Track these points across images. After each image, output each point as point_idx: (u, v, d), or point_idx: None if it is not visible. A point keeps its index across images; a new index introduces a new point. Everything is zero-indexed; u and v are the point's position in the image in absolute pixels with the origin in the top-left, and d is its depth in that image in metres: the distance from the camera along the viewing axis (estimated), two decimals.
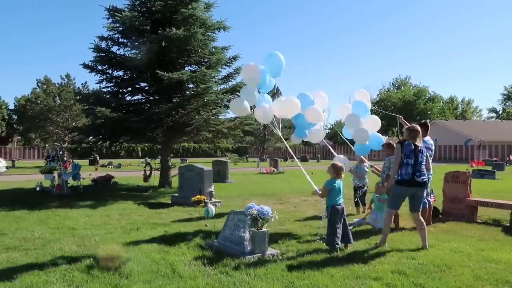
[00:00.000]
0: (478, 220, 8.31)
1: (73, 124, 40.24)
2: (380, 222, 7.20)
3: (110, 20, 13.80)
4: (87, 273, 4.79)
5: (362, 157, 9.07)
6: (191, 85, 14.30)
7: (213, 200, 10.03)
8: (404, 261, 5.37)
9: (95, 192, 12.82)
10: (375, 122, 7.95)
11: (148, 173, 15.42)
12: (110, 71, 14.62)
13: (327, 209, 5.98)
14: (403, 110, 59.73)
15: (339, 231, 5.82)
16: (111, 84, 14.85)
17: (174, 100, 14.15)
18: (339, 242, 5.80)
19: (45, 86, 46.90)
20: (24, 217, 8.53)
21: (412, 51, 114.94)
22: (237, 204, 10.08)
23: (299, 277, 4.70)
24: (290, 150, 8.81)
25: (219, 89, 14.45)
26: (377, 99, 67.43)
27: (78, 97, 24.62)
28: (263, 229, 5.56)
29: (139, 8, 14.15)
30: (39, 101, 44.57)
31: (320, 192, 6.09)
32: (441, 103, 70.74)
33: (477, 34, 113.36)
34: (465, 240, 6.60)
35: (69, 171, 13.06)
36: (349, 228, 6.13)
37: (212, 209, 7.23)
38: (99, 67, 14.39)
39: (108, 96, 14.11)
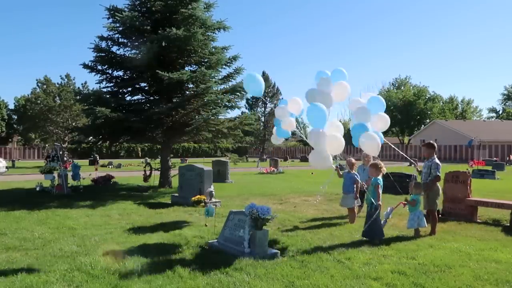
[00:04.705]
0: (478, 220, 8.32)
1: (73, 124, 40.15)
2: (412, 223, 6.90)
3: (110, 20, 13.79)
4: (87, 273, 4.79)
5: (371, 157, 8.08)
6: (191, 85, 14.29)
7: (213, 200, 10.03)
8: (404, 261, 5.37)
9: (95, 192, 12.81)
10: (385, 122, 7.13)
11: (148, 173, 15.41)
12: (110, 71, 14.61)
13: (370, 205, 6.60)
14: (403, 110, 59.63)
15: (381, 223, 6.59)
16: (111, 84, 14.83)
17: (174, 100, 14.14)
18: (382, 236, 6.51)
19: (45, 86, 46.73)
20: (24, 217, 8.52)
21: (412, 51, 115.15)
22: (237, 204, 10.07)
23: (299, 277, 4.70)
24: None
25: (219, 89, 14.44)
26: None
27: (78, 97, 24.60)
28: (263, 229, 5.56)
29: (139, 8, 14.15)
30: (39, 101, 44.42)
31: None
32: (441, 103, 70.64)
33: (477, 34, 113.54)
34: (465, 240, 6.61)
35: (69, 171, 13.07)
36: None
37: (212, 209, 7.23)
38: (99, 67, 14.37)
39: (108, 96, 14.09)
